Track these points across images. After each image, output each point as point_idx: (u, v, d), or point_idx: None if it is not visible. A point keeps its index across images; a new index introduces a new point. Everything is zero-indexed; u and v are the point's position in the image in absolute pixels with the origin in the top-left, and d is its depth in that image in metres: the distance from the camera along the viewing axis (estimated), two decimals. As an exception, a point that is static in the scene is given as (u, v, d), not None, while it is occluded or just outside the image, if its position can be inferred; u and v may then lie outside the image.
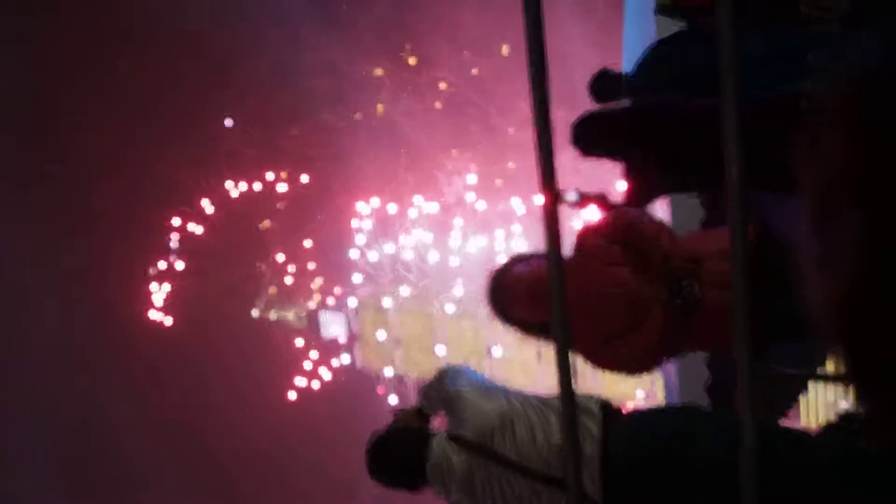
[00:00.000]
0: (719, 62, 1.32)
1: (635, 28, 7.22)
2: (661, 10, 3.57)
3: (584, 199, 3.68)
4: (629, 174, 3.55)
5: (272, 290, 40.37)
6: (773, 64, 3.13)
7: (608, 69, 4.12)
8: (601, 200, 3.69)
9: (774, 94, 2.90)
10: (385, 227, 38.35)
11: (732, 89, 1.32)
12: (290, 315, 41.87)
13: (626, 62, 8.18)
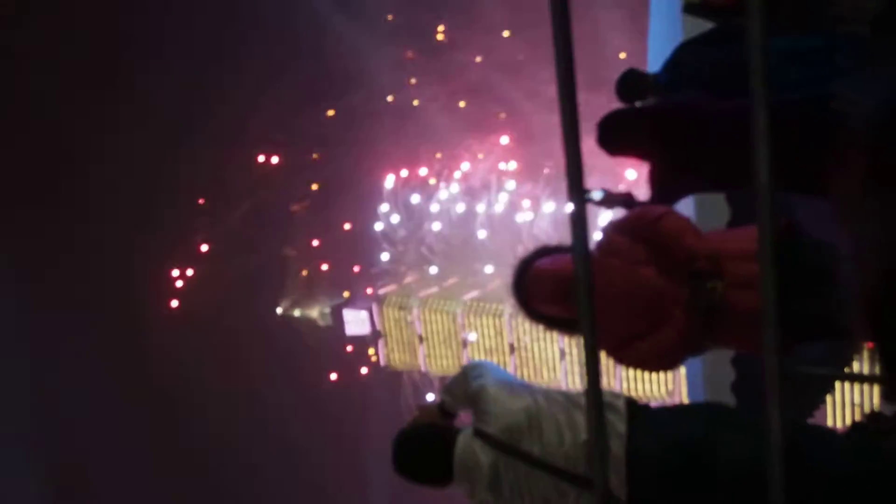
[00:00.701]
0: (749, 63, 1.32)
1: (662, 27, 7.19)
2: (689, 9, 3.56)
3: (609, 198, 3.69)
4: (654, 173, 3.55)
5: (304, 272, 40.66)
6: (801, 63, 3.12)
7: (635, 69, 4.12)
8: (627, 200, 3.70)
9: (803, 95, 2.89)
10: (412, 207, 38.54)
11: (762, 91, 1.32)
12: (314, 312, 42.06)
13: (651, 61, 8.15)
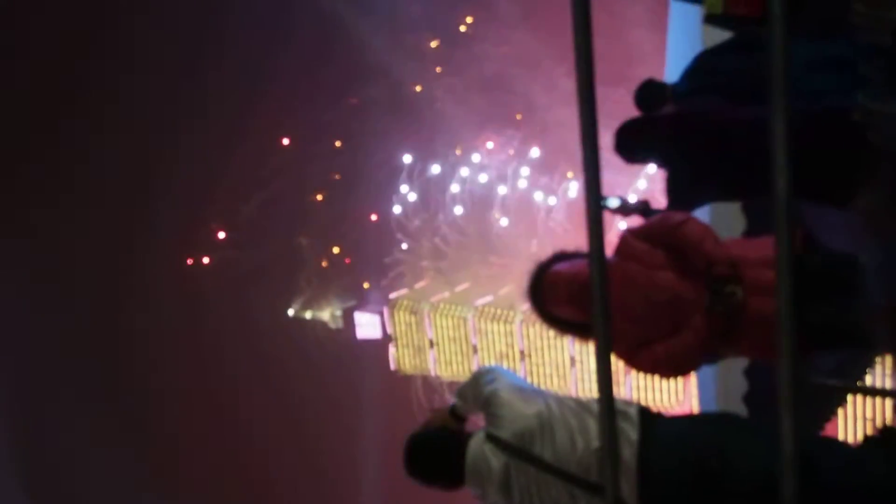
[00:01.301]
0: (770, 74, 1.32)
1: (681, 37, 7.19)
2: (709, 19, 3.56)
3: (625, 206, 3.69)
4: (671, 181, 3.55)
5: (324, 262, 40.80)
6: (821, 71, 3.11)
7: (653, 79, 4.12)
8: (643, 208, 3.70)
9: (824, 105, 2.88)
10: (427, 198, 38.54)
11: (782, 101, 1.32)
12: (325, 315, 42.16)
13: (669, 71, 8.15)
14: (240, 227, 43.81)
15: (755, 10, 3.30)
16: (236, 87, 43.26)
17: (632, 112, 3.89)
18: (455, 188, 39.87)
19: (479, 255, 37.70)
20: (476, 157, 37.74)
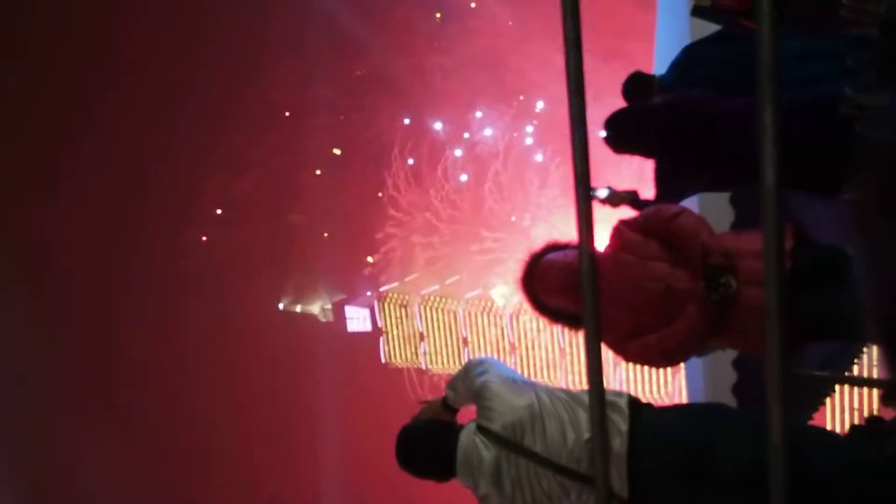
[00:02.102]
0: (758, 66, 1.33)
1: (668, 29, 7.20)
2: (697, 12, 3.57)
3: (614, 196, 3.70)
4: (659, 171, 3.56)
5: (325, 234, 40.75)
6: (809, 63, 3.13)
7: (640, 71, 4.13)
8: (632, 198, 3.71)
9: (812, 96, 2.89)
10: (420, 173, 38.69)
11: (770, 93, 1.33)
12: (315, 308, 42.23)
13: (657, 63, 8.16)
14: (235, 203, 44.05)
15: (743, 3, 3.31)
16: (235, 58, 43.38)
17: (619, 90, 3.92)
18: (448, 163, 40.27)
19: (471, 228, 37.87)
20: (468, 133, 38.06)
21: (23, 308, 43.35)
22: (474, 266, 37.01)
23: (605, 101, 3.57)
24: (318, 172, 43.64)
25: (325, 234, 42.86)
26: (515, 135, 37.65)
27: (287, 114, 43.49)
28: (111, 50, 43.86)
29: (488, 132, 37.81)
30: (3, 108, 42.63)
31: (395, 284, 40.05)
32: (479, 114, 38.31)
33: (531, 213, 35.75)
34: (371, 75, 41.63)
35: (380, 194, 40.41)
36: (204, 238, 45.15)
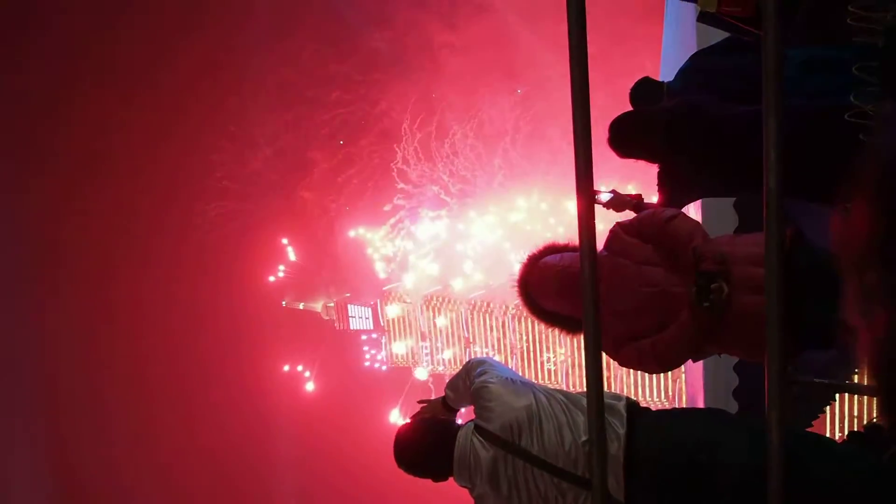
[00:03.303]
0: (763, 74, 1.33)
1: (675, 36, 7.20)
2: (703, 18, 3.56)
3: (617, 200, 3.70)
4: (663, 176, 3.56)
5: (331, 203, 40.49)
6: (815, 71, 3.12)
7: (648, 77, 4.13)
8: (635, 202, 3.70)
9: (817, 105, 2.89)
10: (428, 148, 38.88)
11: (775, 101, 1.34)
12: (318, 306, 42.23)
13: (664, 70, 8.17)
14: (246, 177, 44.72)
15: (749, 10, 3.31)
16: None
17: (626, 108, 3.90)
18: (457, 138, 40.77)
19: (481, 201, 38.11)
20: (478, 109, 38.48)
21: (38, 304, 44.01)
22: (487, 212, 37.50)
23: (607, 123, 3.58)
24: (315, 151, 44.07)
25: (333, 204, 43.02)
26: (524, 112, 38.10)
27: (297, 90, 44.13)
28: (126, 23, 44.61)
29: (497, 110, 38.22)
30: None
31: (397, 284, 40.08)
32: (490, 92, 38.73)
33: (538, 190, 36.16)
34: (381, 51, 42.11)
35: (389, 169, 40.96)
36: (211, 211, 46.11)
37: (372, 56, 42.20)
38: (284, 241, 44.30)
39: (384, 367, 40.38)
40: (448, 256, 38.69)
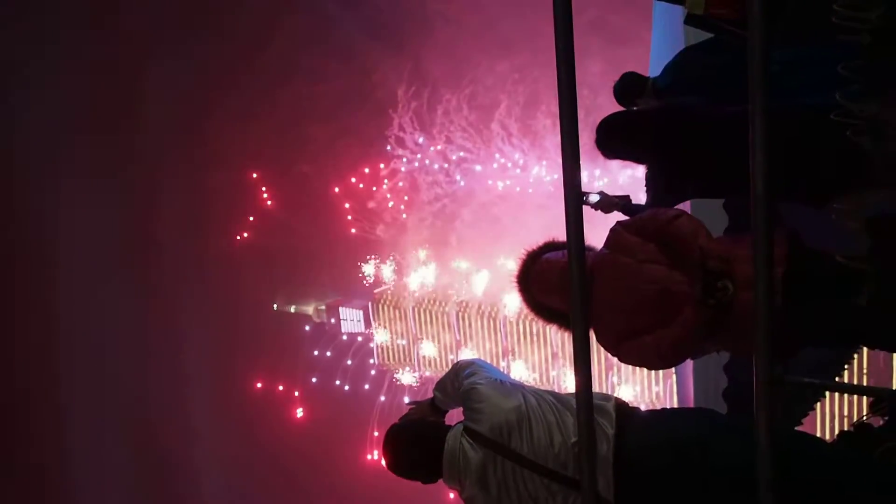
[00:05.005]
0: (749, 74, 1.33)
1: (663, 37, 7.23)
2: (690, 21, 3.57)
3: (606, 201, 3.70)
4: (651, 177, 3.57)
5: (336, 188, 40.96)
6: (800, 70, 3.13)
7: (633, 72, 4.14)
8: (624, 203, 3.71)
9: (803, 105, 2.90)
10: (424, 119, 39.35)
11: (761, 101, 1.34)
12: (309, 309, 42.33)
13: (652, 69, 8.22)
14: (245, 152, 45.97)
15: (735, 12, 3.32)
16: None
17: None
18: (451, 106, 41.28)
19: (482, 165, 38.42)
20: (472, 78, 38.93)
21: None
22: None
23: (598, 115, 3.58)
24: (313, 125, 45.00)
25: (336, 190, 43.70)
26: (519, 79, 38.61)
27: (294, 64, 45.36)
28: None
29: (491, 79, 38.61)
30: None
31: (388, 286, 40.10)
32: (481, 62, 39.16)
33: (540, 163, 36.43)
34: (375, 21, 42.88)
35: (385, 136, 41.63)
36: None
37: (366, 26, 43.16)
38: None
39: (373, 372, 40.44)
40: (444, 258, 38.77)
